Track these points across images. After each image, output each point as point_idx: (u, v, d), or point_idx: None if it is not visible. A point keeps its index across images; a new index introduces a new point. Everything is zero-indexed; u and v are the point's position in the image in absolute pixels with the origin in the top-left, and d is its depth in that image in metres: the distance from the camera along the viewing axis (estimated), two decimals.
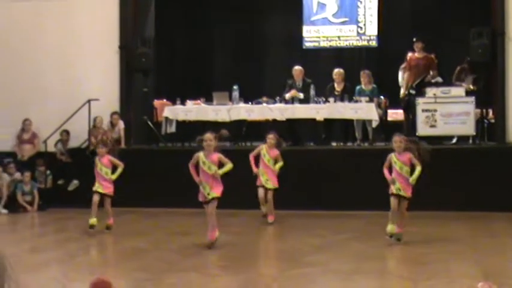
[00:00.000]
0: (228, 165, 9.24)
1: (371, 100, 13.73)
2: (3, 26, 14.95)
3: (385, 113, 14.50)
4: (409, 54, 14.13)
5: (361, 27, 16.60)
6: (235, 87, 14.21)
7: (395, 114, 14.80)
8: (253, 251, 9.73)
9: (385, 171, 9.38)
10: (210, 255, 8.89)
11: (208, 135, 9.29)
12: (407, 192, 9.27)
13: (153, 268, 8.14)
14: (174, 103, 14.57)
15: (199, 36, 17.10)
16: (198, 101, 14.45)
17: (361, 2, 16.57)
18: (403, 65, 14.19)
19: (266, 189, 11.33)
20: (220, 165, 9.30)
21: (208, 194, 9.12)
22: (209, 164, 9.14)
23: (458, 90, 13.37)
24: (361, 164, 12.50)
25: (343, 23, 16.66)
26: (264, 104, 14.08)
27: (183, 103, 14.45)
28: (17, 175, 13.92)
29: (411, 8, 16.48)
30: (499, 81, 13.65)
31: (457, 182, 12.20)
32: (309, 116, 13.89)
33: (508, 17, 13.72)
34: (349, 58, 16.65)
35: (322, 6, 16.71)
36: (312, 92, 13.87)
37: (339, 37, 16.71)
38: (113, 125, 14.38)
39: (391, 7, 16.29)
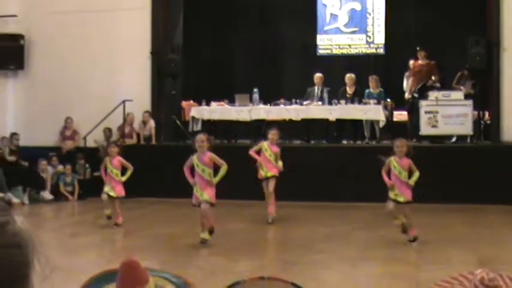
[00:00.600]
0: (223, 168, 8.43)
1: (378, 102, 13.73)
2: (54, 35, 15.10)
3: (391, 114, 14.49)
4: (412, 62, 14.16)
5: (369, 37, 16.55)
6: (255, 90, 14.25)
7: (400, 115, 14.80)
8: (267, 238, 9.74)
9: (384, 176, 8.63)
10: (226, 243, 8.80)
11: (201, 136, 8.60)
12: (407, 196, 8.55)
13: (183, 252, 8.20)
14: (200, 104, 14.61)
15: (223, 43, 17.13)
16: (222, 102, 14.50)
17: (370, 14, 16.52)
18: (407, 73, 14.29)
19: (267, 181, 10.43)
20: (215, 166, 8.56)
21: (201, 196, 8.48)
22: (202, 167, 8.42)
23: (457, 94, 13.42)
24: (369, 160, 12.43)
25: (353, 32, 16.61)
26: (282, 106, 14.09)
27: (208, 104, 14.49)
28: (60, 167, 14.06)
29: (415, 19, 16.38)
30: (494, 86, 13.61)
31: (456, 177, 12.17)
32: (322, 116, 13.90)
33: (502, 28, 13.64)
34: (359, 64, 16.57)
35: (334, 17, 16.68)
36: (325, 95, 13.94)
37: (349, 45, 16.67)
38: (144, 122, 14.47)
39: (397, 18, 16.25)
